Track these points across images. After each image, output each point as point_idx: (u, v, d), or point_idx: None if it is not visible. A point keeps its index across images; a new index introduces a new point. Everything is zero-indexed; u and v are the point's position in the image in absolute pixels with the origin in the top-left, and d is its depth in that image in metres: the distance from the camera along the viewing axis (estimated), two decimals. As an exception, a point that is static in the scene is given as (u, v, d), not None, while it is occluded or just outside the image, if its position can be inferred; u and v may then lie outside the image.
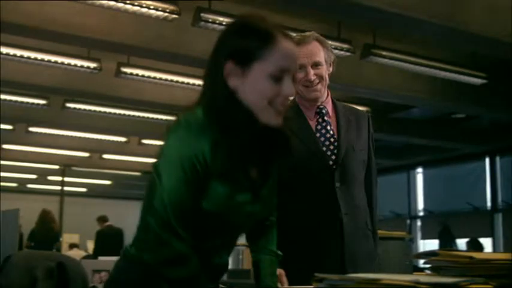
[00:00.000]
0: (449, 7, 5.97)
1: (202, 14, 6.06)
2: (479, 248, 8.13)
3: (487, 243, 12.15)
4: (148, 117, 10.14)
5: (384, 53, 7.21)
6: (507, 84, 9.12)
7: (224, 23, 6.17)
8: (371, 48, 7.16)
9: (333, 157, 2.52)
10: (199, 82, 8.17)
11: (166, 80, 8.02)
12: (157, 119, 10.20)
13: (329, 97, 2.66)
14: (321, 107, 2.61)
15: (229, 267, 6.34)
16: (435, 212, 13.81)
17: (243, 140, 1.66)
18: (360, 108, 9.35)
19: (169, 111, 9.96)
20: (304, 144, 2.48)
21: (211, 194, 1.66)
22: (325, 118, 2.60)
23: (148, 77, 7.88)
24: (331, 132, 2.58)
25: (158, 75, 7.91)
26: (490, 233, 12.39)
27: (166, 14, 5.95)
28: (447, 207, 13.17)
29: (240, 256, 7.06)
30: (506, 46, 6.47)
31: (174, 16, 6.00)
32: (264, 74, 1.69)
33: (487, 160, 12.91)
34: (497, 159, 12.75)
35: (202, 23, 6.11)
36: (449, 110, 10.61)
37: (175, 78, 8.05)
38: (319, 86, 2.56)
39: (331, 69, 2.62)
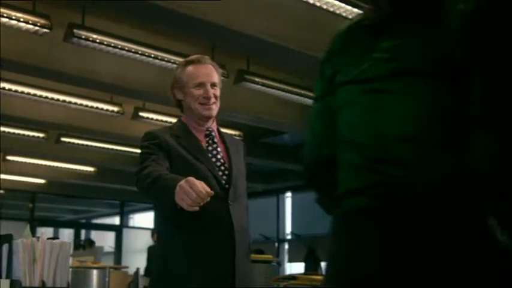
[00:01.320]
0: (318, 39, 6.21)
1: (75, 30, 5.93)
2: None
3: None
4: (14, 133, 9.73)
5: (257, 79, 7.37)
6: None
7: (98, 40, 6.08)
8: (244, 74, 7.31)
9: (224, 177, 2.58)
10: (69, 99, 8.00)
11: (34, 95, 7.75)
12: (23, 134, 9.81)
13: (215, 122, 2.76)
14: (210, 129, 2.70)
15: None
16: (302, 236, 14.16)
17: None
18: (231, 132, 9.47)
19: (36, 127, 9.63)
20: (200, 162, 2.55)
21: None
22: (215, 140, 2.68)
23: (16, 91, 7.58)
24: (221, 154, 2.65)
25: (26, 89, 7.63)
26: (352, 257, 12.85)
27: (37, 28, 5.77)
28: (313, 231, 13.56)
29: (106, 278, 6.88)
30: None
31: (46, 30, 5.83)
32: None
33: (352, 186, 13.45)
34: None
35: (75, 39, 5.99)
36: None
37: (44, 93, 7.80)
38: (214, 106, 2.66)
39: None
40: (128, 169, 13.41)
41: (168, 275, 2.46)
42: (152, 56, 6.54)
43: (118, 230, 17.47)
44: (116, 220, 18.44)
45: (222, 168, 2.60)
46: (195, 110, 2.66)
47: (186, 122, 2.70)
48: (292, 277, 1.47)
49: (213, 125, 2.73)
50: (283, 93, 7.66)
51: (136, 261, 11.46)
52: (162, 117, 9.06)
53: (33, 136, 9.90)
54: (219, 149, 2.66)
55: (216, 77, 2.69)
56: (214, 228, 2.47)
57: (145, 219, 18.94)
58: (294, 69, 7.57)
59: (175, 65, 6.76)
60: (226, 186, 2.56)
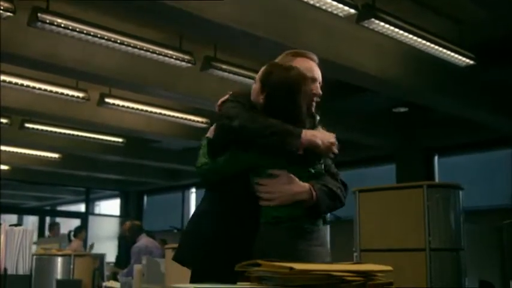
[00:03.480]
0: (287, 27, 6.21)
1: (39, 14, 5.83)
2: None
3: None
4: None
5: (224, 66, 7.35)
6: (340, 105, 9.65)
7: (63, 25, 5.99)
8: (211, 60, 7.27)
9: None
10: (33, 84, 7.88)
11: (-3, 80, 7.62)
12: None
13: None
14: None
15: (59, 277, 6.07)
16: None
17: None
18: (197, 119, 9.37)
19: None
20: None
21: None
22: None
23: (-22, 75, 7.45)
24: None
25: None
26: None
27: (0, 12, 5.65)
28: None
29: (71, 266, 6.83)
30: (341, 69, 6.84)
31: (9, 14, 5.72)
32: None
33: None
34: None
35: (39, 23, 5.89)
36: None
37: (7, 78, 7.67)
38: (315, 103, 2.63)
39: None
40: (93, 156, 13.30)
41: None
42: (118, 41, 6.47)
43: (84, 217, 17.33)
44: (81, 207, 18.29)
45: None
46: None
47: None
48: (256, 264, 1.49)
49: None
50: (250, 80, 7.65)
51: (102, 248, 11.38)
52: (128, 103, 8.99)
53: (-1, 122, 9.76)
54: None
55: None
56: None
57: (111, 206, 18.83)
58: (261, 56, 7.56)
59: (142, 51, 6.73)
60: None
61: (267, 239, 2.34)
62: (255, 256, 2.16)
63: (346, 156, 12.21)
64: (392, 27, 6.17)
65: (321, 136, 2.39)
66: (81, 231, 11.00)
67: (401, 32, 6.29)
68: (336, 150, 2.43)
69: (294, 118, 2.39)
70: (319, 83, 2.65)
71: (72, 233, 10.79)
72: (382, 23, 6.06)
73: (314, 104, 2.61)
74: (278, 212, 2.36)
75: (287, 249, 2.27)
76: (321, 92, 2.64)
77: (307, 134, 2.34)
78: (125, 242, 9.19)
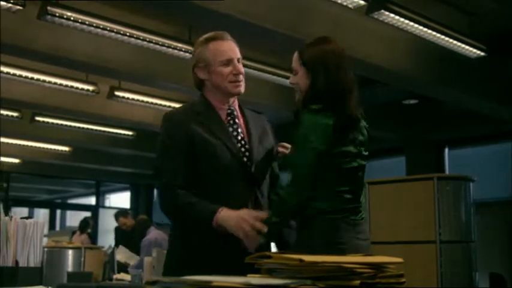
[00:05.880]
0: (294, 19, 6.19)
1: (49, 8, 5.84)
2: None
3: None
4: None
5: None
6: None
7: (72, 18, 6.00)
8: (221, 53, 7.24)
9: (246, 154, 2.51)
10: (43, 77, 7.89)
11: (8, 73, 7.62)
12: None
13: (236, 100, 2.64)
14: (232, 108, 2.59)
15: (69, 269, 6.04)
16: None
17: None
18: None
19: (9, 106, 9.52)
20: (220, 140, 2.47)
21: None
22: (236, 120, 2.58)
23: (-12, 69, 7.46)
24: (242, 134, 2.56)
25: (-1, 68, 7.50)
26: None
27: (9, 5, 5.66)
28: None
29: (81, 258, 6.85)
30: (350, 61, 6.80)
31: (19, 7, 5.73)
32: None
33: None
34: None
35: (49, 16, 5.89)
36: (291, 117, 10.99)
37: (17, 72, 7.68)
38: (243, 83, 2.56)
39: None
40: (103, 149, 13.33)
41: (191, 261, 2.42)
42: (128, 34, 6.47)
43: (94, 210, 17.39)
44: (91, 200, 18.35)
45: (243, 148, 2.52)
46: (224, 89, 2.54)
47: (209, 99, 2.58)
48: (267, 256, 1.49)
49: (234, 103, 2.63)
50: (258, 72, 7.63)
51: (113, 241, 11.44)
52: (138, 96, 9.00)
53: (6, 115, 9.78)
54: (239, 130, 2.57)
55: (239, 53, 2.59)
56: (234, 206, 2.39)
57: (121, 199, 18.88)
58: (269, 48, 7.54)
59: (151, 44, 6.73)
60: (248, 164, 2.49)
61: (313, 231, 2.34)
62: (301, 249, 2.08)
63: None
64: (402, 19, 6.14)
65: (232, 223, 2.28)
66: (88, 226, 11.02)
67: (411, 23, 6.25)
68: (247, 228, 2.26)
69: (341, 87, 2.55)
70: (239, 61, 2.57)
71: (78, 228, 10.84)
72: (392, 15, 6.03)
73: (239, 84, 2.53)
74: (320, 204, 2.36)
75: (333, 242, 2.29)
76: (241, 70, 2.55)
77: (217, 218, 2.29)
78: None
